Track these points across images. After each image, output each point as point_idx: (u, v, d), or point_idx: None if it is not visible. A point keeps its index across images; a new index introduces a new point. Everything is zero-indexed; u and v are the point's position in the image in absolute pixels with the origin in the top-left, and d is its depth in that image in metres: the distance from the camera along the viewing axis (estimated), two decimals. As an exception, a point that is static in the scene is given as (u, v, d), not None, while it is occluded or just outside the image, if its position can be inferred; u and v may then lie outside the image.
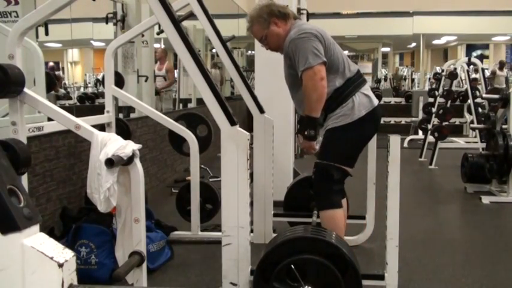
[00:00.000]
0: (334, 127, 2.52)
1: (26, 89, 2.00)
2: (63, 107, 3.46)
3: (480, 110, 7.18)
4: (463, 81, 9.84)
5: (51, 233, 2.92)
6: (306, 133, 2.50)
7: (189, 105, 6.95)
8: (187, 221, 3.34)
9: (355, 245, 3.17)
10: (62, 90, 6.53)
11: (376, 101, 2.58)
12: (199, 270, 2.88)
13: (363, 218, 3.26)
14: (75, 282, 1.02)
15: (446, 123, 6.64)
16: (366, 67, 15.95)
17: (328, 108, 2.52)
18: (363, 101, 2.52)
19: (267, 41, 2.67)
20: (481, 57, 17.28)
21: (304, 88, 2.44)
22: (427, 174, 6.13)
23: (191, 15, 2.44)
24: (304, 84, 2.44)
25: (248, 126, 3.25)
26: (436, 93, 7.02)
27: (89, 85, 7.66)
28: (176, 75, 7.04)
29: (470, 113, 7.86)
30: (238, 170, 2.07)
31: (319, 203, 2.64)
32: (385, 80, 15.51)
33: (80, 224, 2.76)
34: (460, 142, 7.83)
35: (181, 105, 6.97)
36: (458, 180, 5.11)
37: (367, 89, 2.60)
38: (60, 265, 0.98)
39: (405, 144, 7.96)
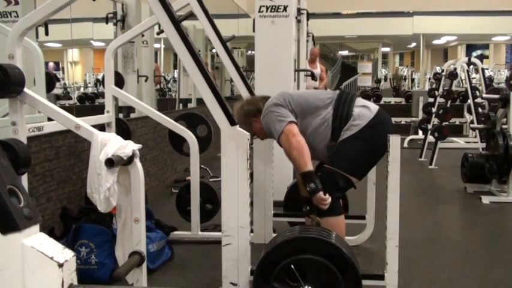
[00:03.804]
0: (344, 138, 2.51)
1: (26, 89, 2.00)
2: (63, 107, 3.45)
3: (480, 110, 7.18)
4: (463, 81, 9.84)
5: (51, 233, 2.92)
6: (307, 189, 2.41)
7: (189, 105, 6.96)
8: (187, 221, 3.34)
9: (355, 245, 3.18)
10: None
11: (375, 107, 2.57)
12: (199, 270, 2.88)
13: (363, 218, 3.26)
14: (75, 282, 1.02)
15: (446, 123, 6.64)
16: (366, 67, 15.94)
17: (337, 135, 2.53)
18: (362, 112, 2.53)
19: (258, 136, 2.82)
20: (481, 57, 17.29)
21: (285, 152, 2.51)
22: (427, 174, 6.13)
23: (191, 15, 2.44)
24: (283, 149, 2.51)
25: (248, 126, 3.25)
26: (436, 93, 7.02)
27: (89, 85, 7.66)
28: (176, 75, 7.05)
29: (470, 113, 7.86)
30: (238, 170, 2.07)
31: (323, 209, 2.56)
32: (385, 80, 15.51)
33: (80, 224, 2.76)
34: (460, 142, 7.83)
35: (181, 105, 6.97)
36: (458, 180, 5.11)
37: (360, 101, 2.59)
38: (60, 265, 0.98)
39: (405, 144, 7.97)
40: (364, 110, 2.53)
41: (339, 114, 2.52)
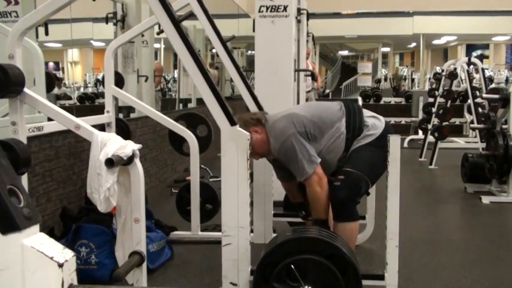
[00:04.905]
0: (360, 145, 2.53)
1: (26, 89, 2.00)
2: (63, 107, 3.45)
3: (480, 110, 7.18)
4: (463, 81, 9.83)
5: (51, 233, 2.92)
6: None
7: (189, 105, 6.96)
8: (187, 221, 3.34)
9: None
10: (64, 88, 6.50)
11: (382, 118, 2.64)
12: (199, 270, 2.88)
13: (363, 218, 3.26)
14: (75, 282, 1.02)
15: (446, 123, 6.64)
16: (366, 67, 15.95)
17: (349, 146, 2.55)
18: (375, 122, 2.58)
19: (255, 151, 2.59)
20: (481, 57, 17.30)
21: (312, 193, 2.46)
22: (427, 174, 6.13)
23: (191, 15, 2.44)
24: (311, 189, 2.46)
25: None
26: (436, 93, 7.02)
27: (89, 85, 7.66)
28: (176, 75, 7.05)
29: (470, 113, 7.86)
30: (238, 170, 2.07)
31: (342, 213, 2.49)
32: (385, 80, 15.52)
33: (80, 224, 2.76)
34: (460, 142, 7.83)
35: (181, 105, 6.97)
36: (458, 180, 5.11)
37: (367, 111, 2.65)
38: (60, 265, 0.98)
39: (405, 144, 7.97)
40: (376, 121, 2.59)
41: (351, 125, 2.55)
